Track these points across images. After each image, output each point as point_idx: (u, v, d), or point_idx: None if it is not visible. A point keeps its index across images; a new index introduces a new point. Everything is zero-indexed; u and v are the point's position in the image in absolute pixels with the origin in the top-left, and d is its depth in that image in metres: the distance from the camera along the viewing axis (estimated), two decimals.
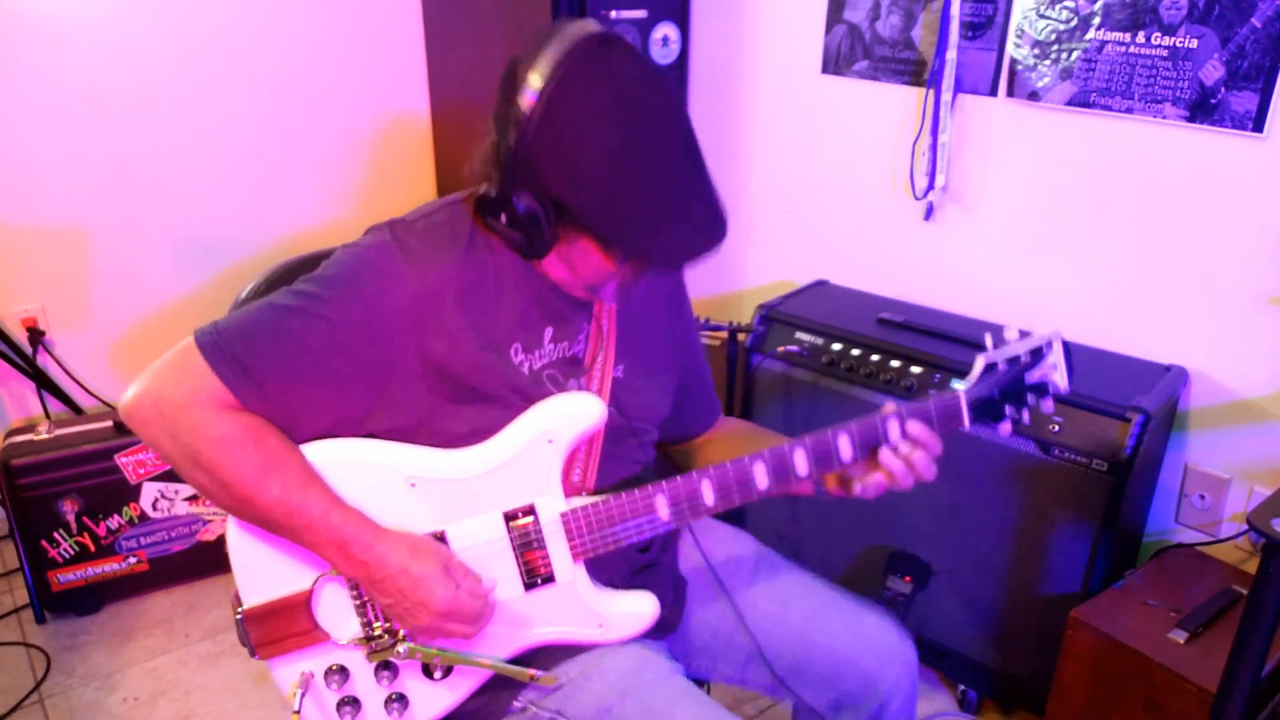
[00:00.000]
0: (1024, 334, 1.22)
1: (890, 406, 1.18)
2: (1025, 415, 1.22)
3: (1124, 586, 1.76)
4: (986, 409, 1.20)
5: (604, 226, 1.05)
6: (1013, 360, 1.19)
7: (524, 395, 1.14)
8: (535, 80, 1.01)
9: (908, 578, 2.00)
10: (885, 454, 1.16)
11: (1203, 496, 1.92)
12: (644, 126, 1.04)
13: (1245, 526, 1.85)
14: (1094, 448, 1.72)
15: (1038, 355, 1.20)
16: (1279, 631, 1.30)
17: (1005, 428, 1.22)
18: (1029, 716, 2.00)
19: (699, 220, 1.07)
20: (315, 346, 1.06)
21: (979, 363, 1.20)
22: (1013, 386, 1.20)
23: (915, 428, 1.16)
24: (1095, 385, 1.77)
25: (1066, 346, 1.22)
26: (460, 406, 1.12)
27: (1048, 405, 1.22)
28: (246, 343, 1.04)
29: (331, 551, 1.06)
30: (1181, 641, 1.61)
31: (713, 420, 1.46)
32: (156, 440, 1.05)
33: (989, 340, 1.21)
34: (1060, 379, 1.21)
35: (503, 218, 1.07)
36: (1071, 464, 1.75)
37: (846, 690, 1.29)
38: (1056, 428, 1.75)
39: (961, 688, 2.06)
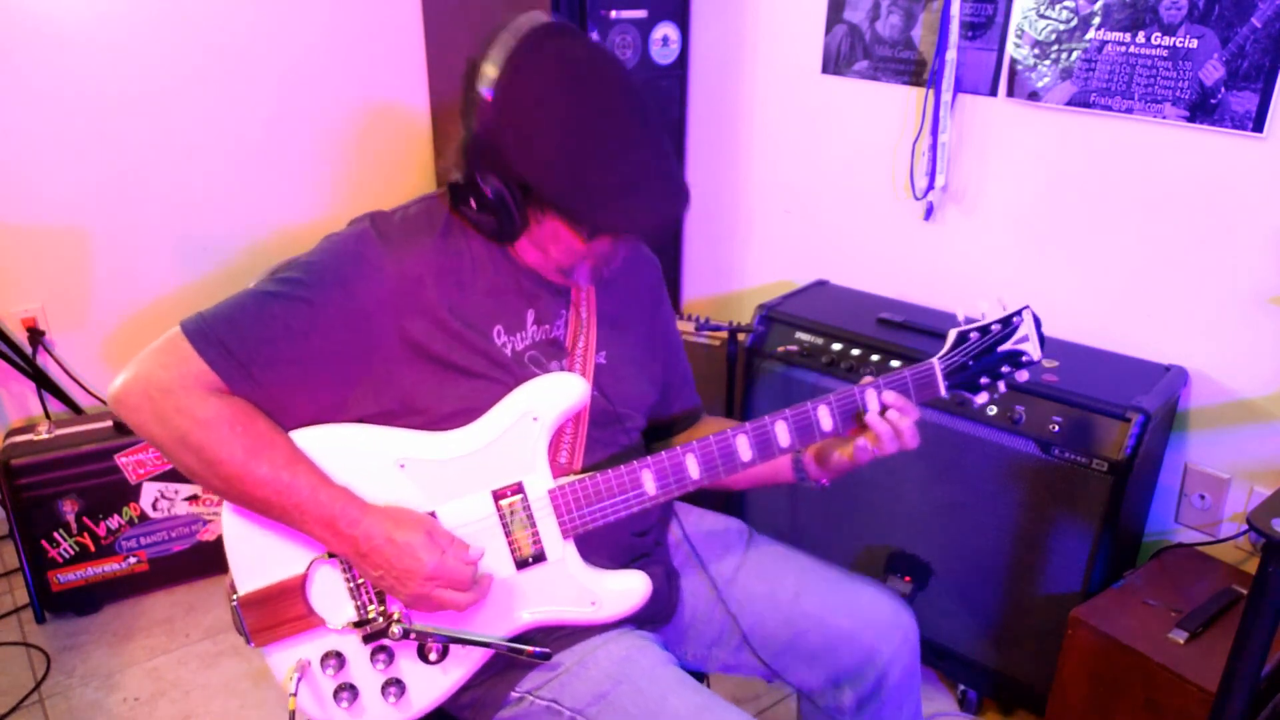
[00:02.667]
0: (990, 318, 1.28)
1: (868, 379, 1.22)
2: (1002, 386, 1.26)
3: (1124, 586, 1.76)
4: (962, 378, 1.25)
5: (566, 200, 1.09)
6: (984, 330, 1.24)
7: (509, 373, 1.16)
8: (490, 69, 1.08)
9: (908, 578, 2.01)
10: (870, 417, 1.19)
11: (1203, 496, 1.92)
12: (596, 102, 1.08)
13: (1245, 526, 1.85)
14: (1094, 448, 1.72)
15: (1009, 326, 1.25)
16: (1279, 631, 1.30)
17: (982, 398, 1.26)
18: (1029, 716, 2.01)
19: (659, 188, 1.12)
20: (298, 329, 1.09)
21: (951, 334, 1.25)
22: (986, 355, 1.24)
23: (892, 396, 1.20)
24: (1095, 385, 1.77)
25: (1036, 318, 1.26)
26: (444, 386, 1.14)
27: (1022, 376, 1.27)
28: (231, 327, 1.08)
29: (320, 529, 1.08)
30: (1181, 641, 1.61)
31: (694, 412, 1.48)
32: (144, 425, 1.07)
33: (961, 315, 1.26)
34: (1033, 348, 1.26)
35: (472, 203, 1.12)
36: (1071, 464, 1.75)
37: (844, 664, 1.29)
38: (1056, 428, 1.75)
39: (961, 688, 2.06)
